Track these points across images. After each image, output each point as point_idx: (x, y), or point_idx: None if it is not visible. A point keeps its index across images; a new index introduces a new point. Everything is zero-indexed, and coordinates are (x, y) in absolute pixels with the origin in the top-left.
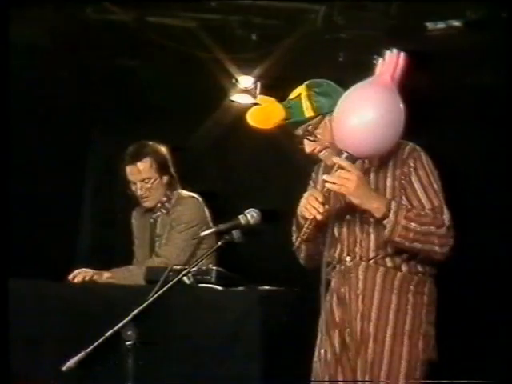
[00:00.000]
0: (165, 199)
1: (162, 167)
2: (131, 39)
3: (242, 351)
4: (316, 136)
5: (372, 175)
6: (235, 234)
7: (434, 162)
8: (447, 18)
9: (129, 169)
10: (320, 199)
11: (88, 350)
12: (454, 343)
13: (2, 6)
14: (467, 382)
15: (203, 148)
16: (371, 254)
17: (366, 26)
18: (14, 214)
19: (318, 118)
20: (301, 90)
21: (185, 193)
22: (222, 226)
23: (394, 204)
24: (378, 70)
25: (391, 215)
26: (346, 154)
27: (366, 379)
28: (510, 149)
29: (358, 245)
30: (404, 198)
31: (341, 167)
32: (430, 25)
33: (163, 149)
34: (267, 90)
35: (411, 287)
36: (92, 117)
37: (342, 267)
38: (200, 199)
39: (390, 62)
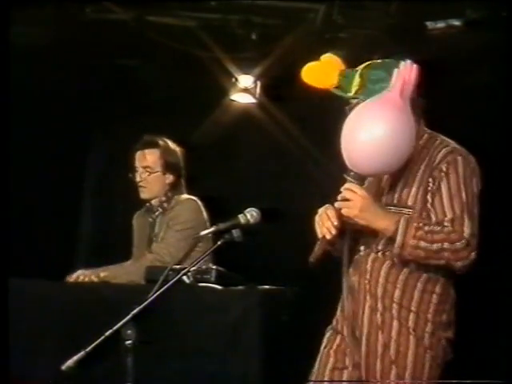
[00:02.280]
0: (164, 199)
1: (169, 165)
2: (131, 39)
3: (241, 350)
4: None
5: (398, 179)
6: (235, 233)
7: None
8: (447, 18)
9: (137, 155)
10: (333, 220)
11: (88, 349)
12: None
13: (2, 6)
14: (472, 381)
15: (203, 147)
16: (380, 247)
17: (366, 26)
18: (14, 214)
19: (361, 100)
20: (363, 65)
21: (184, 196)
22: (222, 226)
23: (402, 223)
24: (392, 82)
25: (398, 236)
26: (352, 173)
27: (377, 370)
28: (510, 148)
29: (371, 236)
30: (429, 204)
31: (345, 188)
32: (429, 24)
33: (177, 150)
34: (267, 89)
35: (418, 284)
36: (92, 116)
37: (357, 256)
38: (199, 202)
39: (402, 75)
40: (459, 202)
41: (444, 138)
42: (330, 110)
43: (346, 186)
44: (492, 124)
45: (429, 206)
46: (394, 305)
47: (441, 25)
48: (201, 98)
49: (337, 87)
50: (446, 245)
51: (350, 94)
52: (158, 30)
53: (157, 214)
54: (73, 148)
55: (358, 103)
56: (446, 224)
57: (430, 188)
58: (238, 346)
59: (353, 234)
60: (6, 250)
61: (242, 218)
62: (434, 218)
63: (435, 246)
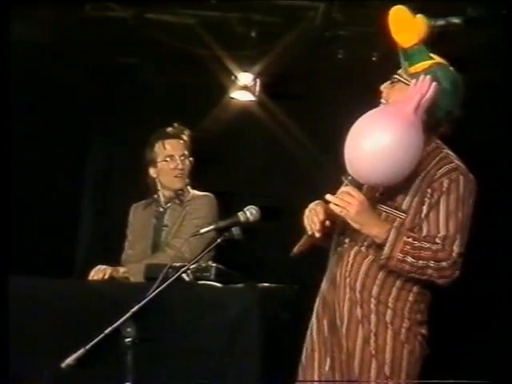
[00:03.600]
0: (180, 191)
1: (191, 154)
2: (130, 36)
3: (241, 348)
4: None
5: (395, 185)
6: (235, 231)
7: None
8: (447, 15)
9: (170, 143)
10: (321, 217)
11: (87, 346)
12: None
13: (2, 4)
14: (466, 382)
15: (202, 145)
16: (366, 242)
17: (366, 24)
18: (14, 213)
19: (414, 76)
20: (438, 60)
21: (197, 191)
22: (222, 223)
23: (392, 235)
24: (408, 93)
25: (386, 248)
26: (350, 177)
27: (356, 363)
28: (510, 146)
29: (357, 230)
30: (423, 214)
31: (343, 191)
32: (429, 22)
33: None
34: (267, 87)
35: (397, 282)
36: (91, 114)
37: (340, 248)
38: (214, 199)
39: (419, 91)
40: (455, 221)
41: (450, 152)
42: (330, 109)
43: (345, 188)
44: (492, 123)
45: (423, 216)
46: (372, 299)
47: (441, 23)
48: (200, 95)
49: (406, 51)
50: (431, 263)
51: (406, 70)
52: (157, 27)
53: (169, 204)
54: (72, 147)
55: (392, 83)
56: (437, 241)
57: (427, 199)
58: (237, 343)
59: (340, 227)
60: (6, 248)
61: (241, 216)
62: (425, 231)
63: (421, 263)
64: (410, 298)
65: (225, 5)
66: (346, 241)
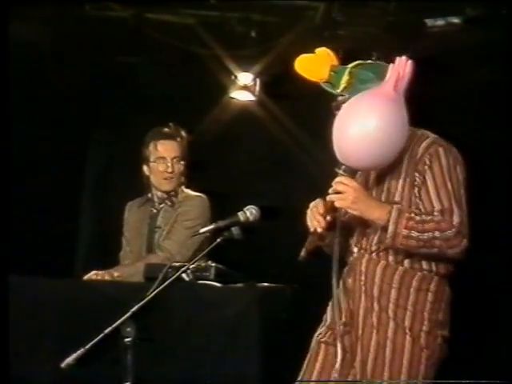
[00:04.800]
0: (173, 192)
1: (186, 155)
2: (130, 36)
3: (240, 348)
4: None
5: (384, 175)
6: (234, 230)
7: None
8: (447, 15)
9: (163, 144)
10: (321, 211)
11: (87, 346)
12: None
13: (1, 4)
14: (473, 382)
15: (202, 144)
16: (373, 247)
17: (365, 23)
18: (14, 212)
19: (346, 97)
20: (353, 64)
21: (191, 192)
22: (221, 223)
23: (393, 213)
24: (386, 76)
25: (390, 226)
26: (343, 167)
27: (368, 370)
28: (510, 145)
29: (364, 237)
30: (417, 198)
31: (337, 182)
32: (429, 21)
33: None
34: (266, 86)
35: (414, 282)
36: (91, 114)
37: (351, 258)
38: (207, 200)
39: (396, 70)
40: (446, 193)
41: (424, 131)
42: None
43: (338, 179)
44: (492, 121)
45: (417, 200)
46: (391, 305)
47: (440, 22)
48: (200, 95)
49: (326, 82)
50: (436, 233)
51: (338, 91)
52: (157, 27)
53: (161, 206)
54: (72, 146)
55: (343, 101)
56: (435, 214)
57: (416, 182)
58: (237, 343)
59: (344, 231)
60: (6, 247)
61: (241, 216)
62: (423, 211)
63: (426, 236)
64: (429, 298)
65: (224, 4)
66: (355, 250)
